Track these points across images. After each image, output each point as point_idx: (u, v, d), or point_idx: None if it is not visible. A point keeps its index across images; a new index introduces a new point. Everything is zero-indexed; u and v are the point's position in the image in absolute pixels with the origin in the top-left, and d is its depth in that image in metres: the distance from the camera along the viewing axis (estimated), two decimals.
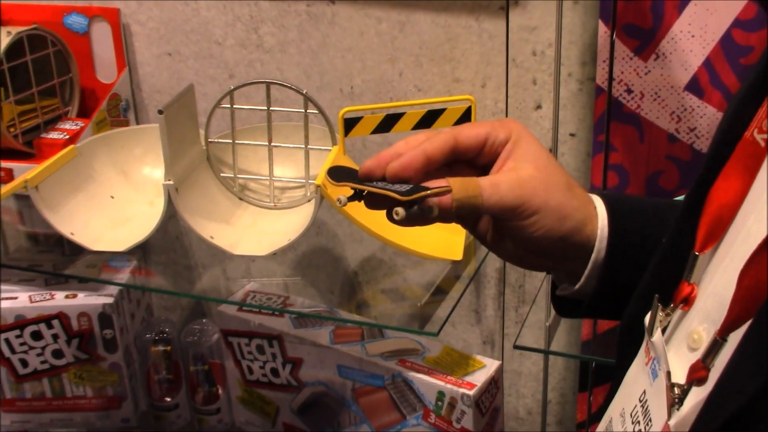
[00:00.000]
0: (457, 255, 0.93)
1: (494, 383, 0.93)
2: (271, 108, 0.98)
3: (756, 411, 0.37)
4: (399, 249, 0.91)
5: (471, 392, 0.89)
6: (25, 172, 0.96)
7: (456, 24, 1.07)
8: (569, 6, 1.01)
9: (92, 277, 1.05)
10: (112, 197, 1.04)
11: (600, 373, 1.12)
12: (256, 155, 1.03)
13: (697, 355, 0.44)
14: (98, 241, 0.97)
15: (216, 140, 1.02)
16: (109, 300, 1.07)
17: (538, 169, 0.58)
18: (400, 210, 0.55)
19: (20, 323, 1.08)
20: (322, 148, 0.99)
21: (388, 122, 0.97)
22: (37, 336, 1.09)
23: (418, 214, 0.55)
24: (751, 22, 0.93)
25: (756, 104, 0.47)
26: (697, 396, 0.43)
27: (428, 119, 0.97)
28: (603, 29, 0.98)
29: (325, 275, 1.07)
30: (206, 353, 1.14)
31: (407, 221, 0.56)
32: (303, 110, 0.97)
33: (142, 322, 1.19)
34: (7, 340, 1.09)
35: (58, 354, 1.10)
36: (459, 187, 0.55)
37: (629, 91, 1.00)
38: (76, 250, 0.99)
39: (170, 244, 1.08)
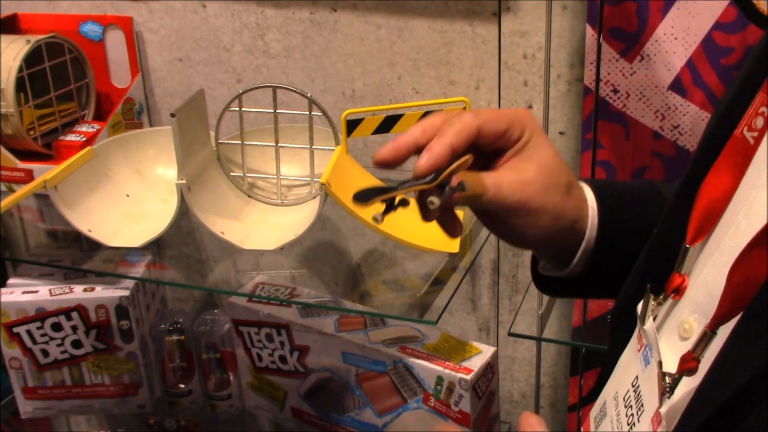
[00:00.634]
0: (454, 248, 0.94)
1: (490, 368, 0.94)
2: (277, 110, 0.98)
3: (745, 403, 0.38)
4: (399, 242, 0.92)
5: (468, 377, 0.90)
6: (44, 172, 0.97)
7: (451, 29, 1.07)
8: (558, 11, 1.02)
9: (109, 271, 1.06)
10: (128, 196, 1.04)
11: (590, 358, 1.12)
12: (263, 155, 1.03)
13: (688, 345, 0.44)
14: (114, 238, 0.98)
15: (225, 141, 1.02)
16: (126, 293, 1.07)
17: (540, 172, 0.58)
18: (435, 199, 0.53)
19: (41, 315, 1.08)
20: (326, 148, 0.99)
21: (388, 123, 0.97)
22: (57, 327, 1.09)
23: (450, 193, 0.54)
24: (732, 25, 0.94)
25: (746, 102, 0.47)
26: (687, 385, 0.43)
27: None
28: (590, 32, 0.98)
29: (329, 267, 1.07)
30: (218, 342, 1.14)
31: (441, 207, 0.55)
32: (308, 112, 0.97)
33: (157, 314, 1.19)
34: (28, 332, 1.09)
35: (77, 344, 1.11)
36: (467, 184, 0.55)
37: (615, 91, 1.00)
38: (93, 246, 0.99)
39: (183, 239, 1.07)
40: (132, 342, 1.12)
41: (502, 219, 0.59)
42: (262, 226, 1.00)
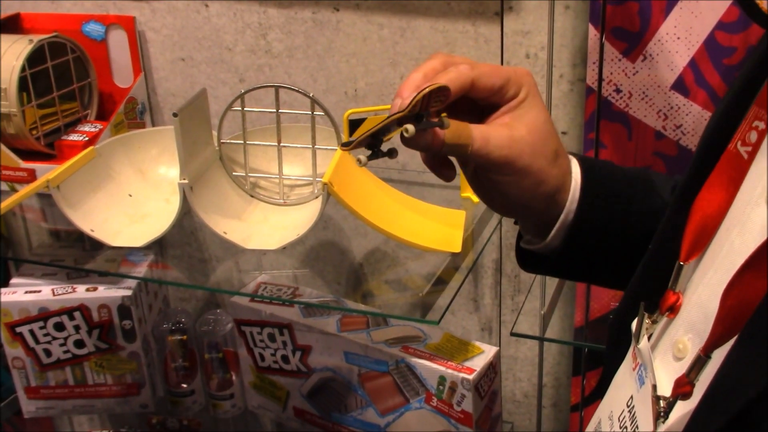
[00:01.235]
0: (456, 247, 0.94)
1: (492, 368, 0.94)
2: (279, 110, 0.98)
3: (741, 430, 0.37)
4: (401, 242, 0.92)
5: (470, 377, 0.90)
6: (46, 172, 0.96)
7: (454, 29, 1.07)
8: (560, 11, 1.02)
9: (112, 271, 1.05)
10: (130, 195, 1.04)
11: (592, 358, 1.12)
12: (266, 155, 1.04)
13: (683, 366, 0.43)
14: (117, 237, 0.97)
15: (228, 141, 1.02)
16: (128, 292, 1.07)
17: (530, 133, 0.57)
18: (410, 126, 0.52)
19: (44, 315, 1.08)
20: (328, 147, 0.99)
21: None
22: (59, 327, 1.09)
23: (427, 126, 0.53)
24: (734, 25, 0.93)
25: (740, 116, 0.46)
26: (682, 409, 0.43)
27: None
28: (593, 32, 0.98)
29: (332, 267, 1.07)
30: (220, 342, 1.14)
31: (417, 138, 0.54)
32: (310, 112, 0.97)
33: (160, 313, 1.19)
34: (31, 331, 1.09)
35: (79, 344, 1.11)
36: (452, 130, 0.55)
37: (618, 91, 1.00)
38: (96, 246, 0.99)
39: (185, 239, 1.07)
40: (134, 342, 1.12)
41: (486, 175, 0.59)
42: (264, 226, 1.00)
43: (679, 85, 0.98)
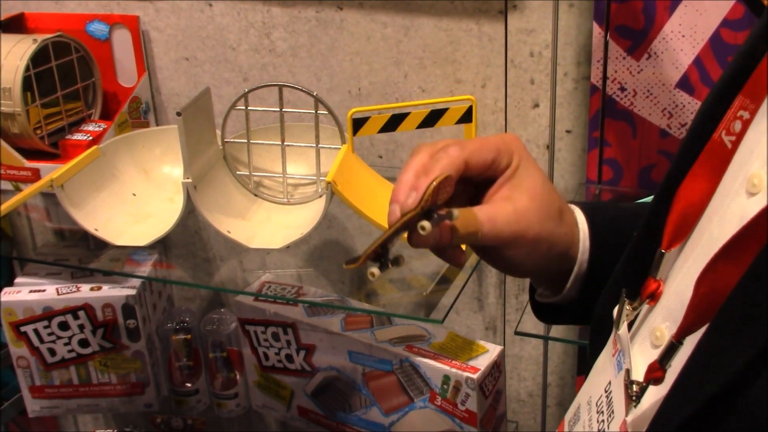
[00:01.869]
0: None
1: (497, 367, 0.94)
2: (283, 109, 0.98)
3: (711, 416, 0.37)
4: (405, 241, 0.92)
5: (475, 376, 0.90)
6: (51, 171, 0.97)
7: (457, 28, 1.07)
8: (565, 9, 1.02)
9: (116, 270, 1.05)
10: (134, 195, 1.04)
11: None
12: (269, 154, 1.04)
13: (658, 353, 0.44)
14: (121, 237, 0.97)
15: (232, 140, 1.02)
16: (132, 292, 1.07)
17: (532, 200, 0.57)
18: (426, 224, 0.51)
19: (48, 314, 1.08)
20: (332, 146, 0.99)
21: (394, 122, 0.97)
22: (64, 326, 1.09)
23: (440, 220, 0.52)
24: (739, 22, 0.93)
25: (725, 106, 0.46)
26: (654, 395, 0.43)
27: (432, 118, 0.98)
28: (597, 30, 0.98)
29: (336, 266, 1.07)
30: (224, 341, 1.14)
31: (427, 236, 0.52)
32: (314, 111, 0.97)
33: (164, 313, 1.19)
34: (36, 331, 1.09)
35: (84, 343, 1.11)
36: (460, 220, 0.54)
37: (623, 89, 1.00)
38: (100, 245, 0.99)
39: (189, 238, 1.08)
40: (139, 341, 1.12)
41: (498, 251, 0.58)
42: (268, 225, 1.00)
43: (684, 83, 0.98)
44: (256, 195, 1.04)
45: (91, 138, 1.13)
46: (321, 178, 1.01)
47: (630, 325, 0.49)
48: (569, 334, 1.15)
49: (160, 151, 1.08)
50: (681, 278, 0.46)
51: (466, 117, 0.98)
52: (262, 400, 1.15)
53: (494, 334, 1.23)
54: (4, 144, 1.10)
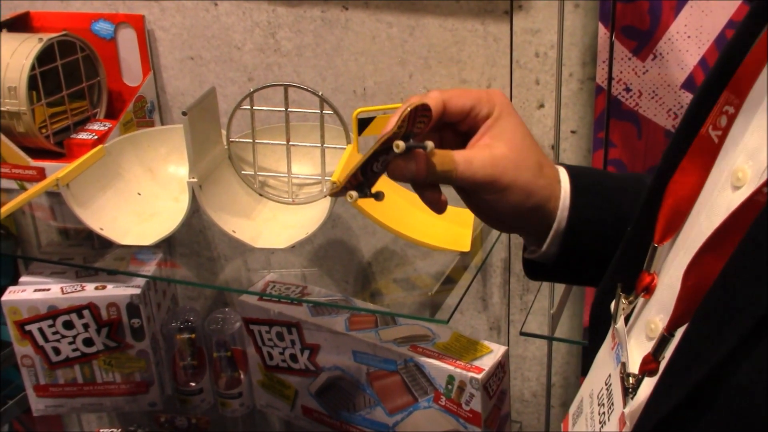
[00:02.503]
0: (465, 246, 0.94)
1: (501, 367, 0.94)
2: (288, 109, 0.98)
3: (697, 405, 0.38)
4: (410, 241, 0.92)
5: (479, 376, 0.90)
6: (56, 170, 0.97)
7: (462, 28, 1.07)
8: (570, 9, 1.02)
9: (120, 269, 1.06)
10: (139, 194, 1.04)
11: None
12: (274, 154, 1.04)
13: (653, 345, 0.45)
14: (126, 236, 0.98)
15: (237, 140, 1.02)
16: (137, 291, 1.07)
17: (511, 149, 0.60)
18: (400, 143, 0.55)
19: (53, 313, 1.08)
20: (337, 146, 0.99)
21: None
22: (68, 325, 1.09)
23: (414, 146, 0.56)
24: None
25: (712, 101, 0.47)
26: (650, 387, 0.44)
27: None
28: (602, 31, 0.98)
29: (340, 266, 1.07)
30: (229, 340, 1.14)
31: (402, 168, 0.57)
32: (319, 111, 0.97)
33: (168, 312, 1.19)
34: (40, 330, 1.09)
35: (88, 342, 1.11)
36: (436, 158, 0.57)
37: (628, 90, 1.00)
38: (105, 244, 0.99)
39: (194, 237, 1.08)
40: (143, 340, 1.12)
41: (477, 195, 0.61)
42: (273, 225, 1.00)
43: (690, 84, 0.98)
44: (261, 195, 1.04)
45: (96, 137, 1.13)
46: (326, 178, 1.01)
47: (627, 319, 0.51)
48: (573, 334, 1.17)
49: (166, 150, 1.08)
50: (673, 271, 0.47)
51: None
52: (266, 399, 1.15)
53: (498, 334, 1.23)
54: (9, 143, 1.11)
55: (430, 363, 0.94)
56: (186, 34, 1.22)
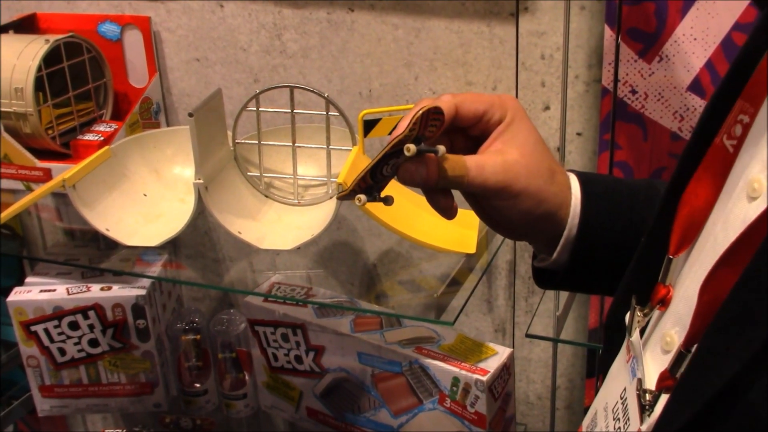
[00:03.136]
0: (471, 248, 0.94)
1: (506, 369, 0.94)
2: (294, 111, 0.99)
3: (710, 421, 0.38)
4: (415, 243, 0.92)
5: (484, 378, 0.90)
6: (62, 171, 0.97)
7: (468, 30, 1.07)
8: (576, 11, 1.01)
9: (126, 270, 1.06)
10: (145, 195, 1.04)
11: None
12: (280, 155, 1.04)
13: (669, 358, 0.44)
14: (132, 237, 0.98)
15: (243, 141, 1.02)
16: (142, 292, 1.07)
17: (522, 155, 0.59)
18: (412, 146, 0.54)
19: (58, 314, 1.09)
20: (343, 148, 0.99)
21: None
22: (74, 326, 1.10)
23: (425, 150, 0.55)
24: (751, 25, 0.90)
25: (726, 110, 0.47)
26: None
27: None
28: (608, 33, 0.98)
29: (345, 268, 1.07)
30: (234, 341, 1.15)
31: (413, 173, 0.56)
32: (324, 113, 0.97)
33: (173, 313, 1.19)
34: (46, 330, 1.10)
35: (93, 343, 1.11)
36: (447, 163, 0.56)
37: (634, 92, 1.00)
38: (110, 245, 0.99)
39: (200, 239, 1.08)
40: (148, 341, 1.12)
41: (488, 202, 0.61)
42: (278, 226, 1.00)
43: (696, 87, 0.98)
44: (266, 196, 1.04)
45: (102, 138, 1.13)
46: (332, 179, 1.01)
47: (642, 332, 0.50)
48: (578, 337, 1.16)
49: (172, 151, 1.08)
50: (689, 283, 0.46)
51: None
52: (270, 400, 1.15)
53: (503, 336, 1.23)
54: (16, 144, 1.11)
55: (435, 365, 0.94)
56: (192, 35, 1.22)
